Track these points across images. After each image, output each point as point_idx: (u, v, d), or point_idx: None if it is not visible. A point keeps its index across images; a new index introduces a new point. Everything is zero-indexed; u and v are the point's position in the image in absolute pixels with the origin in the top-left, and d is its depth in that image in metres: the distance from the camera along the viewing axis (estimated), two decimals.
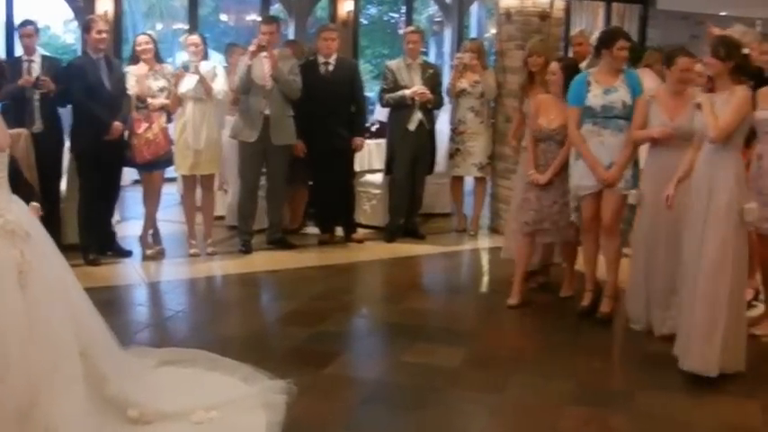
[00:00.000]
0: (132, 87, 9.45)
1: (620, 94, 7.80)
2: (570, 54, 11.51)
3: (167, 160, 9.72)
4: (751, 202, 6.70)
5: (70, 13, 16.10)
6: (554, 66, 8.41)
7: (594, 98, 7.84)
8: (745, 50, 6.82)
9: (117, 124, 9.19)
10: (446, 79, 11.67)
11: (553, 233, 8.34)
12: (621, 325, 7.86)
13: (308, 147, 10.33)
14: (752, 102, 6.83)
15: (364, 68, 20.93)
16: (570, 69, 8.31)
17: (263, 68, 9.82)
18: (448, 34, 19.67)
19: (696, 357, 6.59)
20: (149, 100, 9.45)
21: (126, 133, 9.44)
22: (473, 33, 20.76)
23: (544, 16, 10.84)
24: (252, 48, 9.78)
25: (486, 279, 9.90)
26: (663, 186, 7.21)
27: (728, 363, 6.63)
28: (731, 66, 6.67)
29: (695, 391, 6.43)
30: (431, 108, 10.88)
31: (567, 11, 16.25)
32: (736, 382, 6.57)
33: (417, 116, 10.64)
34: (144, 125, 9.39)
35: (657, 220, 7.44)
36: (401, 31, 11.99)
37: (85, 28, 9.56)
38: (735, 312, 6.66)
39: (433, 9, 23.52)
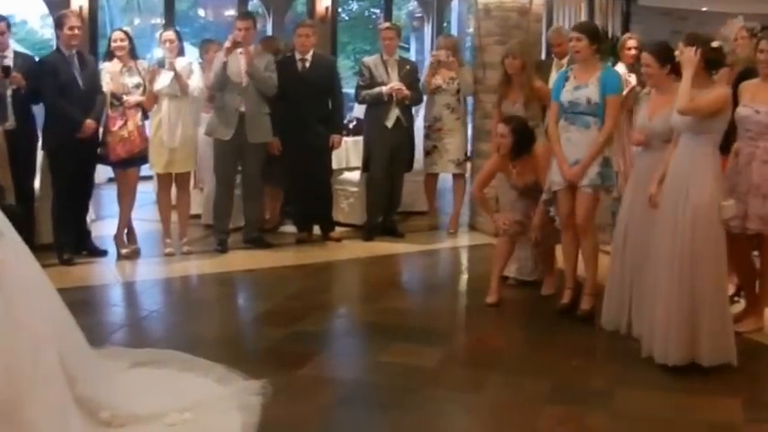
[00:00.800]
0: (107, 84, 9.35)
1: (588, 91, 7.73)
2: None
3: (142, 158, 9.63)
4: (728, 199, 6.70)
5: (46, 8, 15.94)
6: (501, 128, 8.32)
7: (565, 93, 7.83)
8: (715, 44, 6.80)
9: (89, 122, 9.09)
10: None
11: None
12: (601, 323, 7.79)
13: (284, 144, 10.24)
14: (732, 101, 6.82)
15: (345, 65, 20.91)
16: (520, 133, 8.23)
17: (238, 65, 9.75)
18: (428, 30, 19.64)
19: (683, 351, 6.60)
20: (125, 97, 9.35)
21: (101, 130, 9.36)
22: (454, 29, 20.67)
23: (523, 12, 10.79)
24: (227, 44, 9.70)
25: (464, 277, 9.84)
26: (641, 188, 7.21)
27: (717, 355, 6.66)
28: (703, 62, 6.66)
29: (675, 389, 6.38)
30: (408, 104, 10.82)
31: (549, 6, 16.22)
32: (718, 379, 6.54)
33: (395, 113, 10.59)
34: (119, 123, 9.30)
35: (632, 220, 7.41)
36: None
37: (57, 24, 9.43)
38: (720, 308, 6.70)
39: (413, 5, 23.47)
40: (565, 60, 10.13)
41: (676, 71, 6.95)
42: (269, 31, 16.62)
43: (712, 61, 6.72)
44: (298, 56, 10.32)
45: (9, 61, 9.12)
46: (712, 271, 6.62)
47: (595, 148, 7.66)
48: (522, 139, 8.17)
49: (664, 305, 6.67)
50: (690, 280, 6.57)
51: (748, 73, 7.62)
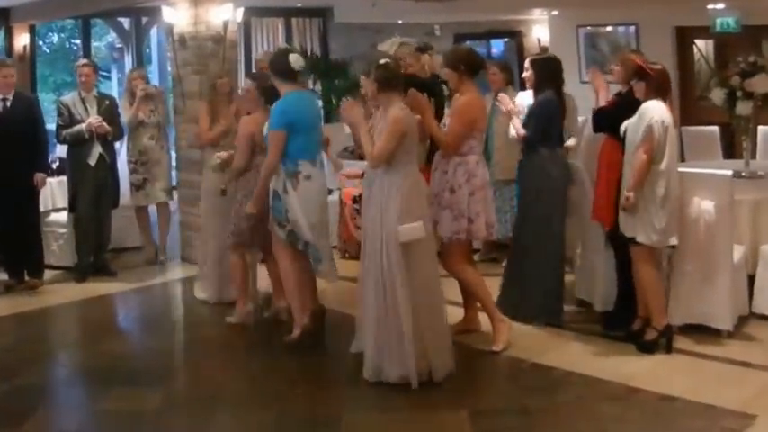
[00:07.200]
0: None
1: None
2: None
3: None
4: (414, 221, 6.77)
5: None
6: (247, 83, 8.51)
7: None
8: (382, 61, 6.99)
9: None
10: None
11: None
12: (327, 348, 7.88)
13: None
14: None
15: (48, 98, 20.37)
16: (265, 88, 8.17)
17: None
18: (128, 60, 19.32)
19: (396, 369, 6.75)
20: None
21: None
22: (154, 58, 20.46)
23: (218, 39, 10.78)
24: None
25: (180, 312, 9.75)
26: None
27: (442, 368, 6.86)
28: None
29: (402, 407, 6.52)
30: (110, 140, 10.62)
31: (247, 31, 16.21)
32: (442, 392, 6.72)
33: (97, 150, 10.36)
34: None
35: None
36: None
37: None
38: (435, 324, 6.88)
39: (112, 36, 23.10)
40: None
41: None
42: None
43: (385, 79, 6.89)
44: None
45: None
46: (426, 288, 6.82)
47: (260, 183, 7.82)
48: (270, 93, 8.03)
49: (376, 326, 6.81)
50: (403, 299, 6.69)
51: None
